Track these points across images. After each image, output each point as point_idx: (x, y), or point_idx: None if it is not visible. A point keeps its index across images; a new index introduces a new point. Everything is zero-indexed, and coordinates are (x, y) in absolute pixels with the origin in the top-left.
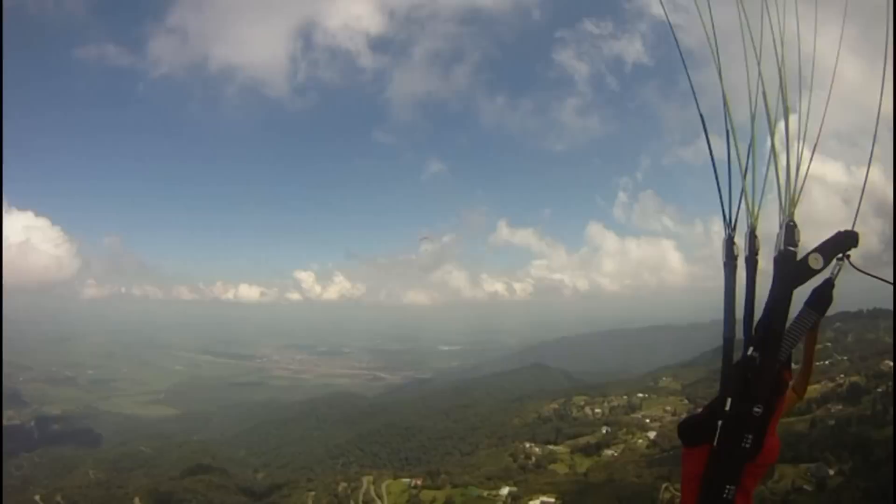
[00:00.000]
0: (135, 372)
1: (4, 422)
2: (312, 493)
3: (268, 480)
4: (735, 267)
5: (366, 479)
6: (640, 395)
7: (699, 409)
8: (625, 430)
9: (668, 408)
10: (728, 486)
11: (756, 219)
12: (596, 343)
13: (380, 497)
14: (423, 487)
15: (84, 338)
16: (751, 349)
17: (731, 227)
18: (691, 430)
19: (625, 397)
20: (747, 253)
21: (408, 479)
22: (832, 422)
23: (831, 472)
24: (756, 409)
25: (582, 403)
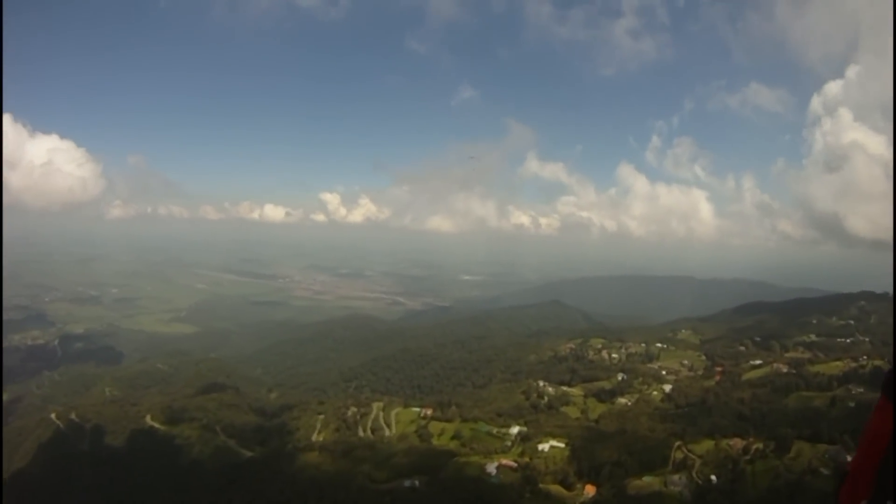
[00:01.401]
0: (158, 290)
1: (29, 342)
2: (322, 416)
3: (280, 400)
4: None
5: (375, 406)
6: (659, 344)
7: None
8: (640, 379)
9: (686, 361)
10: None
11: None
12: (616, 286)
13: (388, 425)
14: (433, 418)
15: (109, 257)
16: None
17: None
18: None
19: (643, 345)
20: None
21: (418, 409)
22: (852, 403)
23: (849, 458)
24: None
25: (599, 346)
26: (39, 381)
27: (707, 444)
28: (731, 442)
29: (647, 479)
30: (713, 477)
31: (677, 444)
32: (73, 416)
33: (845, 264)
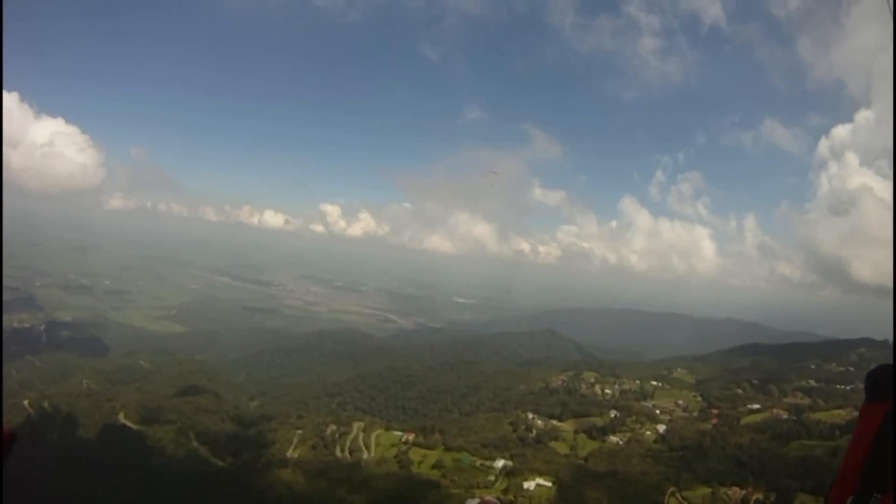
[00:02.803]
0: (150, 286)
1: (15, 324)
2: (300, 430)
3: (259, 410)
4: None
5: (356, 425)
6: (654, 382)
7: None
8: (634, 417)
9: (681, 402)
10: None
11: None
12: (611, 320)
13: (367, 447)
14: (414, 444)
15: (105, 248)
16: None
17: None
18: (879, 383)
19: (637, 382)
20: None
21: (399, 433)
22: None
23: None
24: None
25: (592, 381)
26: (20, 365)
27: (703, 492)
28: (730, 491)
29: None
30: None
31: (671, 489)
32: (45, 404)
33: (843, 310)
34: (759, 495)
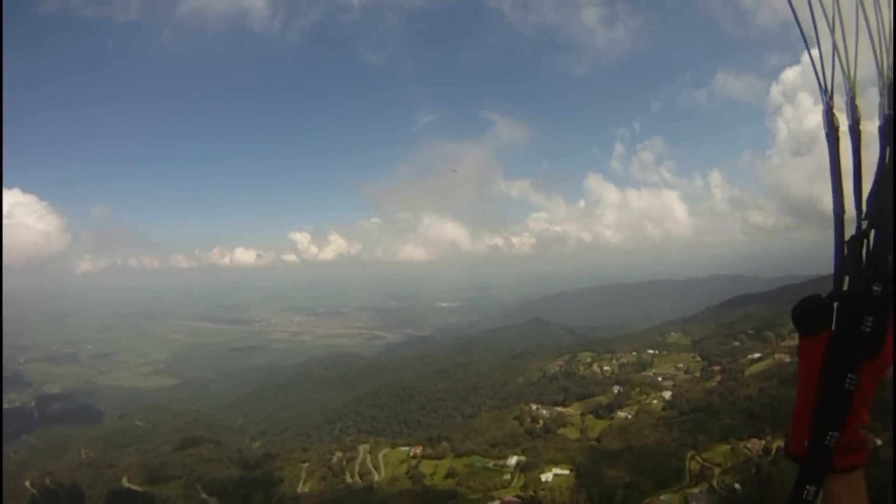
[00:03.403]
0: (134, 343)
1: (6, 405)
2: (306, 463)
3: (263, 449)
4: (837, 139)
5: (362, 448)
6: (650, 351)
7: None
8: (637, 389)
9: (681, 365)
10: (849, 375)
11: (855, 85)
12: (595, 297)
13: (376, 468)
14: (423, 457)
15: (82, 312)
16: (865, 223)
17: (828, 95)
18: (807, 315)
19: (634, 353)
20: (850, 122)
21: (406, 448)
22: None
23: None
24: (875, 288)
25: (588, 360)
26: (16, 446)
27: (722, 450)
28: (749, 444)
29: (664, 497)
30: (737, 485)
31: (690, 454)
32: (47, 481)
33: (823, 248)
34: (779, 442)
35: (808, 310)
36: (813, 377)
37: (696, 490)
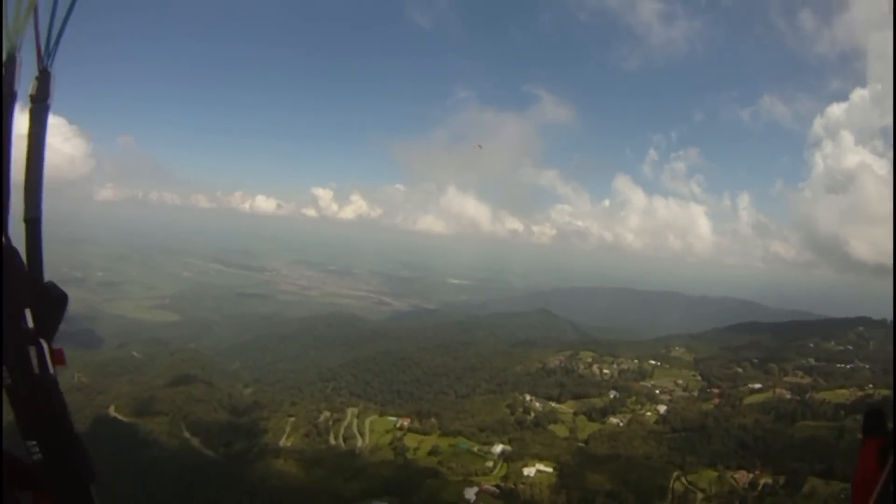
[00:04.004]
0: (144, 276)
1: None
2: (293, 418)
3: (253, 397)
4: None
5: (350, 411)
6: (652, 361)
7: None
8: (633, 398)
9: (680, 381)
10: None
11: None
12: (606, 298)
13: (361, 434)
14: (409, 430)
15: (96, 239)
16: None
17: None
18: (869, 418)
19: (635, 361)
20: None
21: (394, 418)
22: (861, 435)
23: None
24: None
25: (589, 360)
26: None
27: (709, 475)
28: (737, 475)
29: None
30: None
31: (676, 473)
32: None
33: (838, 289)
34: (767, 479)
35: (872, 414)
36: (873, 484)
37: None
